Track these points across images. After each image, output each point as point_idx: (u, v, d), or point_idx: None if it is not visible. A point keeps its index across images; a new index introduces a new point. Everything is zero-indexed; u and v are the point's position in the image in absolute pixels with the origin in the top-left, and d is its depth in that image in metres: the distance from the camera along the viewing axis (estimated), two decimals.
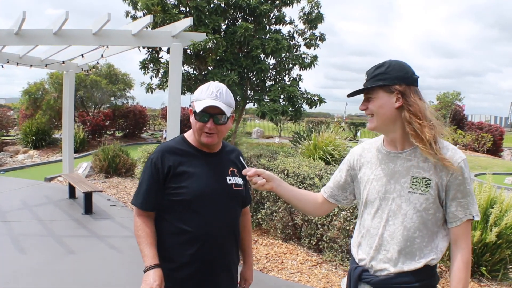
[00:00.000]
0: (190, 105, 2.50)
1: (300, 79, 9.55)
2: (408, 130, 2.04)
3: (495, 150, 31.07)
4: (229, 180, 2.49)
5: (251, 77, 9.22)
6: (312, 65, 9.32)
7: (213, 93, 2.37)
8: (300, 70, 9.35)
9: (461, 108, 34.69)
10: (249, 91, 9.42)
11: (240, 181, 2.55)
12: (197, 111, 2.34)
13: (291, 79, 9.52)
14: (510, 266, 5.90)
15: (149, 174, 2.41)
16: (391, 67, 2.06)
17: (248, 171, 2.31)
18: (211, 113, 2.36)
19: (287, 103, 8.70)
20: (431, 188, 2.02)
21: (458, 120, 33.84)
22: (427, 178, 2.03)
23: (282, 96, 8.61)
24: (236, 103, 9.18)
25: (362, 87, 2.10)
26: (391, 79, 2.04)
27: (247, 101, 9.43)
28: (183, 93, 9.02)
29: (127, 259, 5.98)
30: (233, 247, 2.54)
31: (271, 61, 9.31)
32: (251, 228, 2.89)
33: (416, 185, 2.04)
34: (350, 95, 2.18)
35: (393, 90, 2.04)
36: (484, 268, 5.69)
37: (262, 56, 8.87)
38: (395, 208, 2.09)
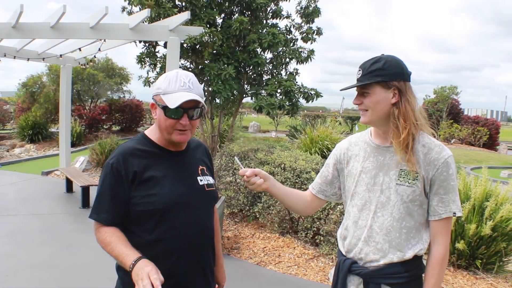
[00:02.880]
0: (153, 99, 2.11)
1: (297, 73, 9.58)
2: (391, 125, 2.08)
3: (491, 144, 31.15)
4: (201, 180, 2.24)
5: (248, 71, 9.24)
6: (309, 59, 9.35)
7: (185, 84, 2.05)
8: (297, 64, 9.38)
9: (457, 102, 34.74)
10: (245, 85, 9.43)
11: (211, 180, 2.33)
12: (171, 106, 1.99)
13: (288, 73, 9.54)
14: (506, 259, 5.95)
15: (110, 182, 2.06)
16: (388, 63, 2.07)
17: (246, 171, 2.27)
18: (185, 108, 2.04)
19: (284, 97, 8.72)
20: (418, 181, 2.06)
21: (454, 114, 33.88)
22: (415, 171, 2.06)
23: (279, 91, 8.64)
24: (233, 97, 9.20)
25: (356, 81, 2.10)
26: (389, 75, 2.05)
27: (244, 95, 9.45)
28: None
29: None
30: (210, 253, 2.30)
31: (268, 55, 9.34)
32: (219, 226, 2.61)
33: (404, 177, 2.08)
34: (344, 89, 2.19)
35: (391, 86, 2.06)
36: (480, 261, 5.73)
37: (259, 50, 8.87)
38: (384, 199, 2.12)
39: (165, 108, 2.04)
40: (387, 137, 2.14)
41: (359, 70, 2.10)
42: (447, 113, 33.49)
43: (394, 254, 2.10)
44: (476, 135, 30.38)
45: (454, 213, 2.07)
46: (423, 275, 2.13)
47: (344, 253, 2.28)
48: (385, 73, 2.05)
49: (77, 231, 6.92)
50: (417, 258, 2.14)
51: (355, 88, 2.13)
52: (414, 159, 2.06)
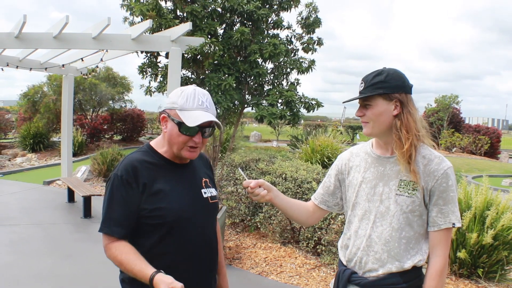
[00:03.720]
0: (166, 112, 2.12)
1: (298, 83, 9.60)
2: (393, 136, 2.12)
3: (492, 152, 31.13)
4: (205, 193, 2.24)
5: (249, 81, 9.26)
6: (310, 70, 9.37)
7: (203, 103, 2.07)
8: (298, 74, 9.40)
9: (458, 111, 34.76)
10: (247, 96, 9.45)
11: (214, 192, 2.34)
12: (189, 124, 2.01)
13: (289, 83, 9.57)
14: (508, 268, 5.95)
15: (122, 194, 2.04)
16: (389, 75, 2.11)
17: (250, 182, 2.27)
18: (200, 126, 2.07)
19: (285, 107, 8.74)
20: (418, 191, 2.09)
21: (455, 123, 33.90)
22: (414, 182, 2.09)
23: (280, 101, 8.66)
24: (234, 107, 9.23)
25: (359, 93, 2.14)
26: (391, 87, 2.10)
27: (245, 105, 9.47)
28: None
29: None
30: (214, 264, 2.33)
31: (269, 65, 9.36)
32: (221, 236, 2.58)
33: (403, 188, 2.11)
34: (347, 102, 2.23)
35: (393, 98, 2.10)
36: (481, 270, 5.74)
37: (260, 60, 8.90)
38: (383, 209, 2.15)
39: (180, 124, 2.06)
40: (388, 148, 2.18)
41: (362, 82, 2.14)
42: (448, 122, 33.51)
43: (392, 264, 2.12)
44: (477, 144, 30.37)
45: (454, 224, 2.09)
46: (423, 286, 2.13)
47: (345, 262, 2.30)
48: (387, 86, 2.09)
49: (79, 241, 6.93)
50: (416, 269, 2.15)
51: (358, 100, 2.17)
52: (416, 169, 2.08)
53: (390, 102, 2.10)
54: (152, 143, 2.25)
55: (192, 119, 2.02)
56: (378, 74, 2.12)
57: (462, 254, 5.65)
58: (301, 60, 9.36)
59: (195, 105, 2.05)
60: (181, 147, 2.11)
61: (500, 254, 5.71)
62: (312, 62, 9.39)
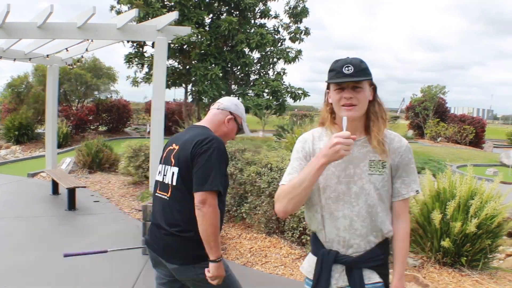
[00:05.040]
0: (233, 114, 3.04)
1: (284, 73, 9.60)
2: (374, 120, 2.31)
3: (477, 142, 31.39)
4: None
5: (236, 71, 9.23)
6: (297, 59, 9.37)
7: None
8: (284, 64, 9.41)
9: (444, 101, 34.95)
10: (233, 85, 9.42)
11: None
12: (246, 135, 3.25)
13: (276, 73, 9.56)
14: (491, 256, 6.00)
15: (223, 163, 2.73)
16: (366, 64, 2.27)
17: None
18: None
19: (271, 97, 8.72)
20: (386, 168, 2.30)
21: (441, 113, 34.11)
22: (383, 161, 2.29)
23: (266, 90, 8.64)
24: (220, 96, 9.18)
25: (349, 76, 2.20)
26: (371, 74, 2.27)
27: (231, 95, 9.43)
28: (167, 87, 9.00)
29: (110, 255, 5.93)
30: None
31: (256, 55, 9.35)
32: None
33: (374, 167, 2.29)
34: (342, 82, 2.23)
35: (372, 84, 2.31)
36: (465, 258, 5.77)
37: (246, 50, 8.87)
38: (358, 189, 2.29)
39: (240, 130, 3.05)
40: (355, 132, 2.27)
41: (348, 66, 2.19)
42: (434, 111, 33.70)
43: (372, 236, 2.31)
44: (462, 134, 30.59)
45: (417, 190, 2.37)
46: (395, 247, 2.40)
47: (324, 244, 2.38)
48: (370, 72, 2.27)
49: (64, 234, 6.86)
50: (387, 241, 2.39)
51: (344, 82, 2.23)
52: (386, 149, 2.30)
53: (369, 87, 2.29)
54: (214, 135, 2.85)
55: (247, 130, 3.09)
56: (362, 61, 2.25)
57: (446, 243, 5.68)
58: (288, 49, 9.35)
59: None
60: (226, 142, 2.99)
61: (484, 242, 5.75)
62: (299, 51, 9.38)
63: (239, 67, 8.94)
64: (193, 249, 2.66)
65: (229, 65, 8.92)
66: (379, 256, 2.33)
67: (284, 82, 9.19)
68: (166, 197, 2.76)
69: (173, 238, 2.67)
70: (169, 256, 2.72)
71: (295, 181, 2.21)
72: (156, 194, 2.89)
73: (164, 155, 2.91)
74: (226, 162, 2.72)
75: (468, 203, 5.87)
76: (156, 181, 2.94)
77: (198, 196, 2.55)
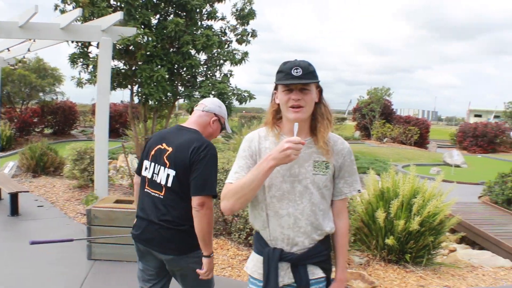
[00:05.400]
0: (218, 116, 3.25)
1: (231, 75, 9.56)
2: (320, 121, 2.39)
3: (421, 142, 32.22)
4: None
5: (182, 73, 9.16)
6: (243, 61, 9.36)
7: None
8: (231, 66, 9.37)
9: (390, 102, 35.68)
10: (180, 87, 9.35)
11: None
12: (228, 132, 3.50)
13: (222, 75, 9.52)
14: (434, 252, 6.18)
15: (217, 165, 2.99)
16: (313, 67, 2.32)
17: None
18: None
19: (217, 98, 8.68)
20: (330, 169, 2.40)
21: (387, 114, 34.81)
22: (326, 161, 2.39)
23: (212, 92, 8.58)
24: (166, 99, 9.11)
25: (297, 78, 2.26)
26: (318, 77, 2.33)
27: (178, 97, 9.37)
28: (113, 88, 8.86)
29: (55, 261, 5.81)
30: None
31: (203, 57, 9.29)
32: None
33: (318, 167, 2.37)
34: (292, 84, 2.27)
35: (318, 87, 2.39)
36: (409, 255, 5.92)
37: (193, 52, 8.82)
38: (302, 189, 2.36)
39: (223, 129, 3.34)
40: (301, 133, 2.33)
41: (297, 68, 2.26)
42: (380, 113, 34.38)
43: (316, 234, 2.38)
44: (408, 134, 31.34)
45: (359, 190, 2.52)
46: (336, 243, 2.52)
47: (268, 242, 2.43)
48: (317, 75, 2.33)
49: (6, 240, 6.64)
50: (328, 237, 2.49)
51: (291, 84, 2.28)
52: (330, 150, 2.40)
53: (316, 90, 2.36)
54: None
55: (228, 129, 3.38)
56: (310, 64, 2.31)
57: (390, 240, 5.80)
58: (234, 51, 9.33)
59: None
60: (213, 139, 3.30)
61: (426, 239, 5.91)
62: (245, 54, 9.38)
63: (185, 69, 8.87)
64: (188, 240, 2.89)
65: (175, 67, 8.85)
66: (322, 252, 2.41)
67: (230, 84, 9.15)
68: (159, 196, 2.94)
69: (169, 232, 2.88)
70: (165, 248, 2.92)
71: (244, 181, 2.25)
72: (146, 190, 3.05)
73: (153, 152, 3.05)
74: (217, 165, 2.96)
75: (411, 202, 6.01)
76: (143, 177, 3.10)
77: (197, 200, 2.78)
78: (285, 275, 2.37)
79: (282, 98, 2.31)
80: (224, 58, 9.25)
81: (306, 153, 2.36)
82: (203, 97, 8.52)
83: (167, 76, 8.40)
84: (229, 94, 8.80)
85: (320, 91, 2.40)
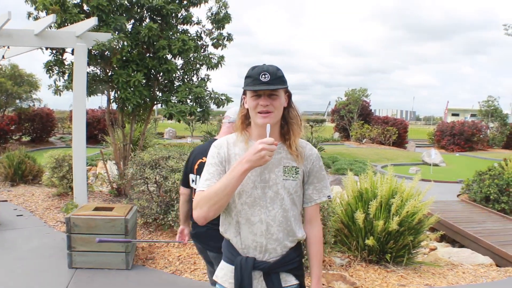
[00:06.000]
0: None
1: (208, 79, 9.54)
2: (290, 125, 2.40)
3: (400, 142, 32.51)
4: None
5: (159, 78, 9.12)
6: (219, 65, 9.34)
7: None
8: (207, 70, 9.34)
9: (368, 103, 35.93)
10: (157, 92, 9.30)
11: None
12: None
13: (199, 79, 9.49)
14: (414, 251, 6.22)
15: None
16: (282, 72, 2.34)
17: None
18: None
19: (194, 103, 8.67)
20: (299, 174, 2.41)
21: (365, 115, 35.08)
22: (296, 167, 2.40)
23: (190, 97, 8.55)
24: (144, 104, 9.05)
25: (266, 83, 2.28)
26: (286, 82, 2.34)
27: (155, 102, 9.32)
28: (89, 94, 8.78)
29: (36, 270, 5.71)
30: None
31: (179, 61, 9.25)
32: None
33: (288, 173, 2.38)
34: (259, 89, 2.28)
35: (287, 92, 2.40)
36: (389, 255, 5.94)
37: (169, 56, 8.78)
38: (273, 194, 2.35)
39: None
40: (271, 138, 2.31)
41: (265, 73, 2.27)
42: (358, 114, 34.64)
43: (288, 241, 2.38)
44: (386, 135, 31.60)
45: (329, 196, 2.53)
46: (311, 250, 2.52)
47: (240, 250, 2.40)
48: (285, 80, 2.34)
49: None
50: (300, 243, 2.51)
51: (259, 90, 2.29)
52: (300, 155, 2.41)
53: (285, 95, 2.38)
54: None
55: None
56: (278, 69, 2.32)
57: (370, 241, 5.82)
58: (210, 56, 9.30)
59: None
60: None
61: (406, 239, 5.94)
62: (221, 58, 9.35)
63: (161, 74, 8.83)
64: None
65: (152, 72, 8.80)
66: (295, 259, 2.42)
67: (207, 88, 9.14)
68: None
69: (214, 232, 2.93)
70: (211, 247, 3.30)
71: (217, 186, 2.22)
72: None
73: (196, 166, 3.47)
74: None
75: (389, 202, 6.05)
76: (193, 188, 3.56)
77: None
78: (258, 283, 2.37)
79: (250, 104, 2.32)
80: (201, 63, 9.21)
81: (276, 159, 2.37)
82: (180, 102, 8.49)
83: (143, 81, 8.35)
84: (206, 98, 8.79)
85: (289, 95, 2.41)
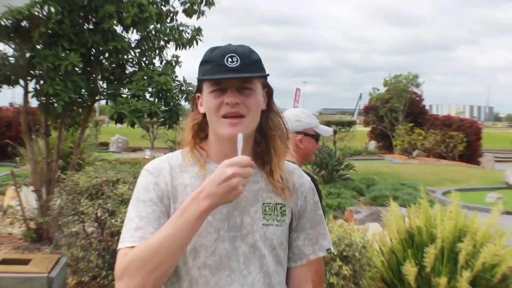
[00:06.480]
0: (302, 132, 3.89)
1: (177, 62, 9.53)
2: (271, 139, 2.23)
3: (470, 155, 32.33)
4: None
5: (103, 61, 9.11)
6: (195, 42, 9.33)
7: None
8: (177, 49, 9.33)
9: (419, 97, 35.85)
10: (100, 82, 9.30)
11: None
12: (327, 135, 4.33)
13: (164, 63, 9.48)
14: None
15: None
16: (258, 55, 2.22)
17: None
18: None
19: (157, 99, 8.64)
20: (287, 216, 2.24)
21: (415, 115, 35.02)
22: (281, 204, 2.22)
23: (149, 89, 8.53)
24: (81, 100, 9.02)
25: (233, 70, 2.10)
26: (265, 71, 2.23)
27: (98, 97, 9.31)
28: None
29: None
30: None
31: (134, 36, 9.24)
32: None
33: (270, 214, 2.19)
34: (221, 79, 2.11)
35: (266, 86, 2.25)
36: None
37: (119, 29, 8.78)
38: (249, 249, 2.15)
39: (318, 138, 3.98)
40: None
41: (233, 56, 2.10)
42: (405, 113, 34.60)
43: None
44: (448, 144, 31.47)
45: (329, 249, 2.39)
46: None
47: None
48: (264, 68, 2.22)
49: None
50: None
51: (227, 79, 2.12)
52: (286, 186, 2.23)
53: (263, 91, 2.23)
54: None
55: (326, 130, 4.05)
56: (251, 51, 2.20)
57: None
58: (181, 28, 9.29)
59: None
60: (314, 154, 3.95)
61: None
62: (198, 31, 9.35)
63: (107, 55, 8.82)
64: None
65: (93, 52, 8.79)
66: None
67: (176, 76, 9.10)
68: None
69: None
70: None
71: (158, 240, 1.97)
72: None
73: None
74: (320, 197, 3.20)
75: (455, 248, 5.96)
76: None
77: (316, 263, 3.22)
78: None
79: (210, 103, 2.13)
80: (166, 38, 9.21)
81: (252, 192, 2.19)
82: (134, 96, 8.45)
83: (80, 65, 8.34)
84: (175, 91, 8.76)
85: (269, 92, 2.27)
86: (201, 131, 2.24)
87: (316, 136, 3.89)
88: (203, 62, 2.16)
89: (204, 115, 2.19)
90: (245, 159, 1.93)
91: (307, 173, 2.85)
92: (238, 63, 2.09)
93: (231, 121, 2.08)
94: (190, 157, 2.23)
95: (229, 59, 2.09)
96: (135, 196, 2.18)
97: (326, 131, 3.97)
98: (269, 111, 2.24)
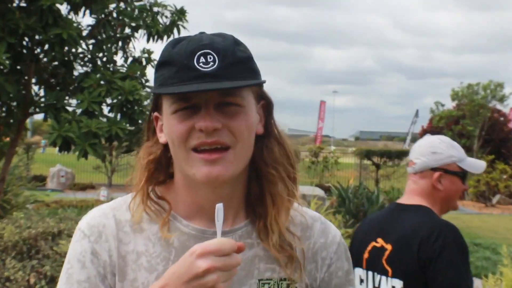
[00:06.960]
0: (440, 169, 3.97)
1: (149, 60, 9.53)
2: (270, 182, 2.12)
3: None
4: None
5: (40, 56, 9.17)
6: (175, 29, 9.37)
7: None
8: (149, 40, 9.34)
9: (505, 116, 35.65)
10: (35, 87, 9.37)
11: None
12: (478, 172, 4.14)
13: (130, 60, 9.49)
14: None
15: None
16: (248, 50, 2.11)
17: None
18: None
19: (119, 115, 8.57)
20: None
21: (497, 142, 34.91)
22: (287, 280, 2.13)
23: (108, 101, 8.48)
24: (6, 112, 9.09)
25: (207, 75, 1.92)
26: (259, 74, 2.12)
27: (32, 109, 9.39)
28: None
29: None
30: None
31: (85, 20, 9.29)
32: None
33: None
34: (190, 93, 1.94)
35: (261, 96, 2.17)
36: None
37: (64, 8, 8.83)
38: None
39: (464, 176, 4.07)
40: (228, 216, 2.05)
41: (208, 54, 1.93)
42: (482, 139, 34.52)
43: None
44: None
45: None
46: None
47: None
48: (257, 69, 2.12)
49: None
50: None
51: (198, 92, 1.95)
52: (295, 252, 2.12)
53: (258, 105, 2.15)
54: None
55: (478, 166, 4.19)
56: (236, 43, 2.07)
57: None
58: (156, 8, 9.33)
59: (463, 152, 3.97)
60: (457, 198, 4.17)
61: None
62: (181, 13, 9.38)
63: (47, 47, 8.91)
64: None
65: (25, 42, 8.90)
66: None
67: (148, 81, 9.08)
68: None
69: None
70: None
71: None
72: None
73: (366, 255, 3.78)
74: (467, 257, 3.63)
75: None
76: None
77: None
78: None
79: (174, 130, 1.98)
80: (134, 24, 9.22)
81: (242, 262, 1.93)
82: (86, 113, 8.36)
83: (7, 62, 8.42)
84: (145, 103, 8.75)
85: (265, 106, 2.20)
86: (159, 171, 2.15)
87: (461, 174, 4.01)
88: (161, 65, 2.04)
89: (165, 146, 2.09)
90: (227, 245, 1.77)
91: (441, 222, 3.48)
92: (215, 65, 1.92)
93: (208, 156, 1.95)
94: (144, 208, 2.10)
95: (202, 59, 1.92)
96: (66, 272, 2.08)
97: (476, 166, 4.11)
98: (267, 137, 2.16)
